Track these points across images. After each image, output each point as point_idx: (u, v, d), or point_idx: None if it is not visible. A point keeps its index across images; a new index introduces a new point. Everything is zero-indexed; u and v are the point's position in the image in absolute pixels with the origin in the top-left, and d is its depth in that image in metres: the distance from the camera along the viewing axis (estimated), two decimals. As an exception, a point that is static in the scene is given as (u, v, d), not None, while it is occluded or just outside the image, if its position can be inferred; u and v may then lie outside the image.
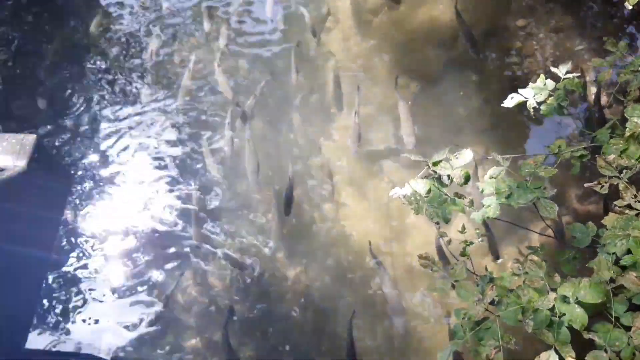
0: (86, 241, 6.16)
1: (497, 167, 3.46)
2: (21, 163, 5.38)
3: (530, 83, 3.82)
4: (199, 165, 6.49)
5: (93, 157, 6.60)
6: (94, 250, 6.13)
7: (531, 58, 6.32)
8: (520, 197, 3.31)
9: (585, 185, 3.49)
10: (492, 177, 3.43)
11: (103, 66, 7.23)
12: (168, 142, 6.65)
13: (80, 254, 6.12)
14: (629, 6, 3.19)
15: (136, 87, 7.05)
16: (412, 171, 5.55)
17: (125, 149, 6.63)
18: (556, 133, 6.03)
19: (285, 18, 7.23)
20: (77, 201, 6.41)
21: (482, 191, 3.43)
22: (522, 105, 3.75)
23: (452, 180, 3.34)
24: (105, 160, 6.57)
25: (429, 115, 6.44)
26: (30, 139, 5.50)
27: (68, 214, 6.33)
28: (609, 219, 3.20)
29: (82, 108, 6.91)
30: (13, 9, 7.68)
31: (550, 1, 6.49)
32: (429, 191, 3.30)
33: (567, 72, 3.77)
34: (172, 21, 7.45)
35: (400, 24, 6.87)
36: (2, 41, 7.43)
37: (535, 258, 3.21)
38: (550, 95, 3.71)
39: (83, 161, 6.59)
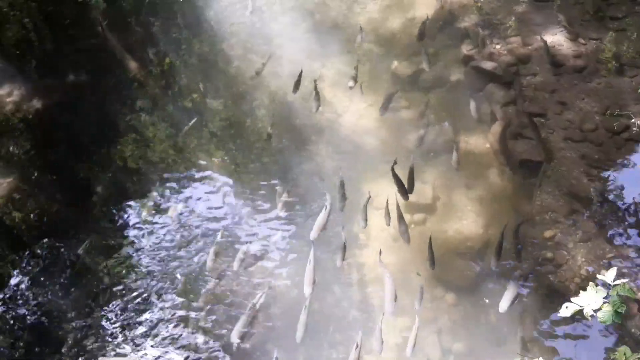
0: None
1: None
2: None
3: (581, 292, 3.92)
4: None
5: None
6: None
7: (565, 266, 6.45)
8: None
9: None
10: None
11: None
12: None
13: None
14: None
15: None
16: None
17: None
18: (613, 337, 5.85)
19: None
20: None
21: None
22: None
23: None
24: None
25: (469, 328, 6.40)
26: None
27: None
28: None
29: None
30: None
31: (572, 213, 6.83)
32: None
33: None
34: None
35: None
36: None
37: None
38: (604, 302, 3.79)
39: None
